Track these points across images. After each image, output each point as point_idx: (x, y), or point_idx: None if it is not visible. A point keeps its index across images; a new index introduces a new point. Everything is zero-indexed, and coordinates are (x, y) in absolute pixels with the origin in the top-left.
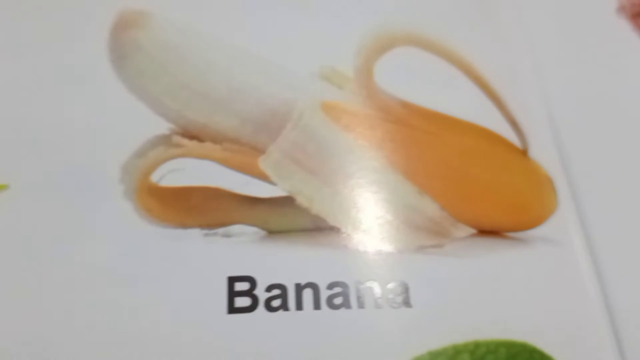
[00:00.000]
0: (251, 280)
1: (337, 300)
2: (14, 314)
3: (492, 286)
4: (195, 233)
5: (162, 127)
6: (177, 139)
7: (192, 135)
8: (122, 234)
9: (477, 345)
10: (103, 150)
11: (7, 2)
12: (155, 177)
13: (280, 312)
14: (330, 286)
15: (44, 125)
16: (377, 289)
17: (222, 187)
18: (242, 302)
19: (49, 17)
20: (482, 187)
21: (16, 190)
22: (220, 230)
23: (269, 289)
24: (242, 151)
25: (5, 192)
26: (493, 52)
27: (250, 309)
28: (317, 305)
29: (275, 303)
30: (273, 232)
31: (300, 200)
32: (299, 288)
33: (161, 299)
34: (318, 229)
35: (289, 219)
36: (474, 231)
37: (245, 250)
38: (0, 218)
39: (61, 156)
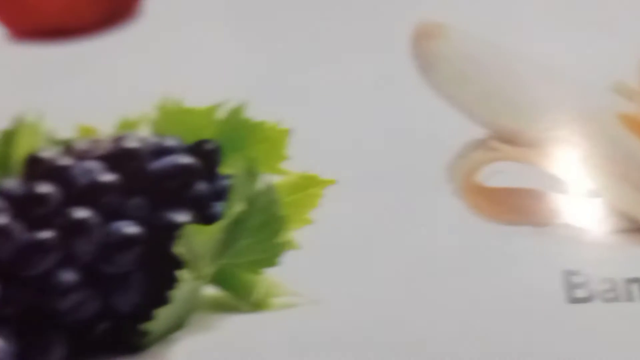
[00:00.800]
0: (585, 274)
1: None
2: (354, 303)
3: None
4: (524, 230)
5: (478, 131)
6: (494, 143)
7: (506, 140)
8: (454, 229)
9: None
10: (422, 151)
11: (323, 15)
12: (479, 178)
13: (614, 304)
14: None
15: (366, 127)
16: None
17: (543, 188)
18: (580, 293)
19: (356, 28)
20: None
21: (344, 185)
22: (548, 228)
23: (602, 282)
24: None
25: (334, 187)
26: None
27: (588, 299)
28: None
29: (609, 295)
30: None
31: (616, 204)
32: (628, 282)
33: (500, 289)
34: (635, 229)
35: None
36: None
37: (575, 246)
38: (328, 210)
39: (384, 155)
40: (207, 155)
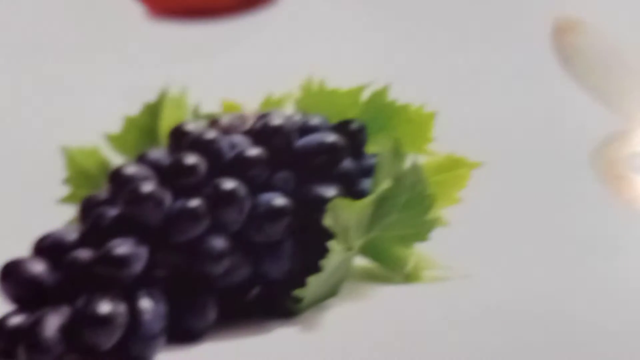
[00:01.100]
0: None
1: None
2: (501, 278)
3: None
4: None
5: (619, 122)
6: (634, 134)
7: None
8: (596, 212)
9: None
10: (565, 138)
11: (468, 5)
12: (620, 166)
13: None
14: None
15: (510, 113)
16: None
17: None
18: None
19: (498, 19)
20: None
21: (491, 167)
22: None
23: None
24: None
25: (482, 169)
26: None
27: None
28: None
29: None
30: None
31: None
32: None
33: (635, 269)
34: None
35: None
36: None
37: None
38: (476, 190)
39: (529, 140)
40: (352, 135)
